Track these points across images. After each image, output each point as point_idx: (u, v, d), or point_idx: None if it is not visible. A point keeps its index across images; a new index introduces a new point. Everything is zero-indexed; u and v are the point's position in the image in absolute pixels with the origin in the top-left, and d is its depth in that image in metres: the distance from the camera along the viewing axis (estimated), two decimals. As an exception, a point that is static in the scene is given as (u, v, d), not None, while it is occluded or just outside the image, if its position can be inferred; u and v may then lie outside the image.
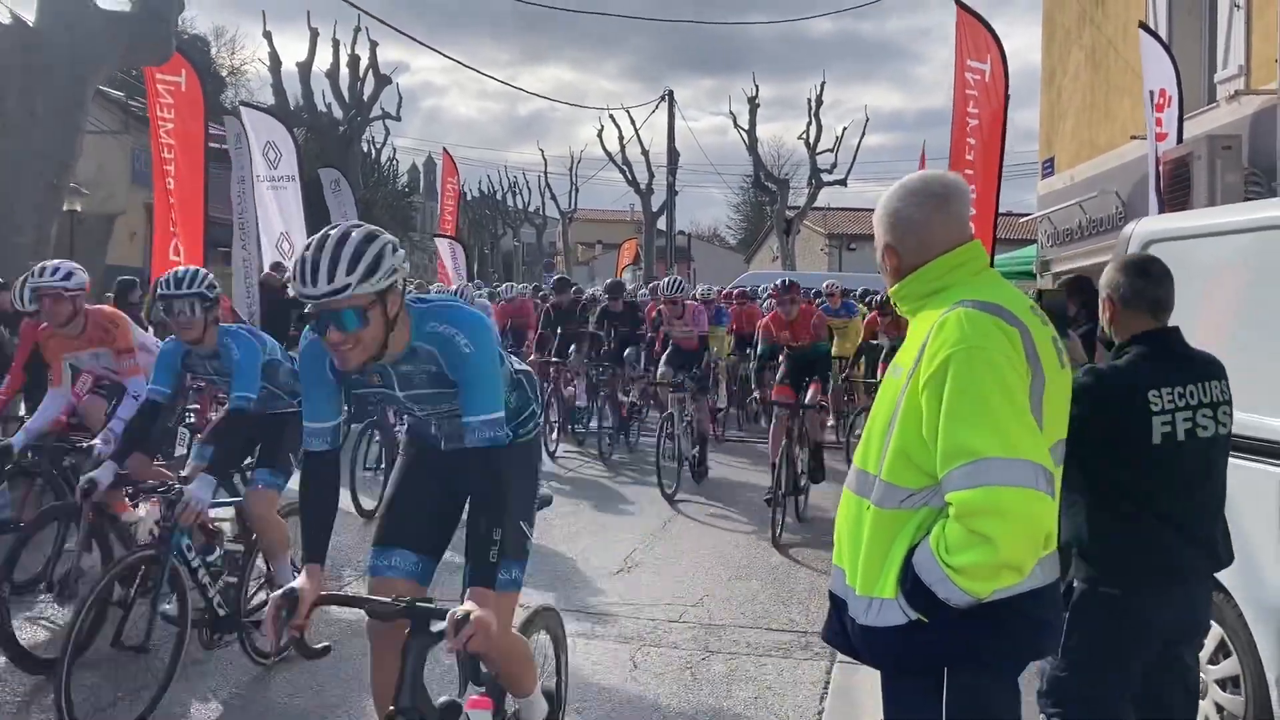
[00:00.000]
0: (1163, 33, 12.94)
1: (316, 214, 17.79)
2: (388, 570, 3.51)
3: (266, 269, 14.93)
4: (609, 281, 16.92)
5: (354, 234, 2.95)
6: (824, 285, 16.58)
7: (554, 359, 13.30)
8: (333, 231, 2.96)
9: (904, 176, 2.72)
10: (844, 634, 2.62)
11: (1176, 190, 11.47)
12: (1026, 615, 2.44)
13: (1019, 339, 2.41)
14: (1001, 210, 17.92)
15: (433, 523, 3.64)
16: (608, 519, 9.35)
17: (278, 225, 16.36)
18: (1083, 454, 3.11)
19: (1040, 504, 2.28)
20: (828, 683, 5.57)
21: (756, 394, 13.92)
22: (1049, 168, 18.17)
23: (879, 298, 15.63)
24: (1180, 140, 11.65)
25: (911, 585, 2.40)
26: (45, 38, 11.02)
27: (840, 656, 5.87)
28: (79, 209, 20.24)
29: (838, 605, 2.64)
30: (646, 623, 6.38)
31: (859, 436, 3.52)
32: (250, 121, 16.61)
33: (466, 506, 3.27)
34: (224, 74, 43.46)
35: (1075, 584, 3.35)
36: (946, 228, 2.61)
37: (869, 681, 5.53)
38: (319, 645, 5.08)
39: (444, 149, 28.33)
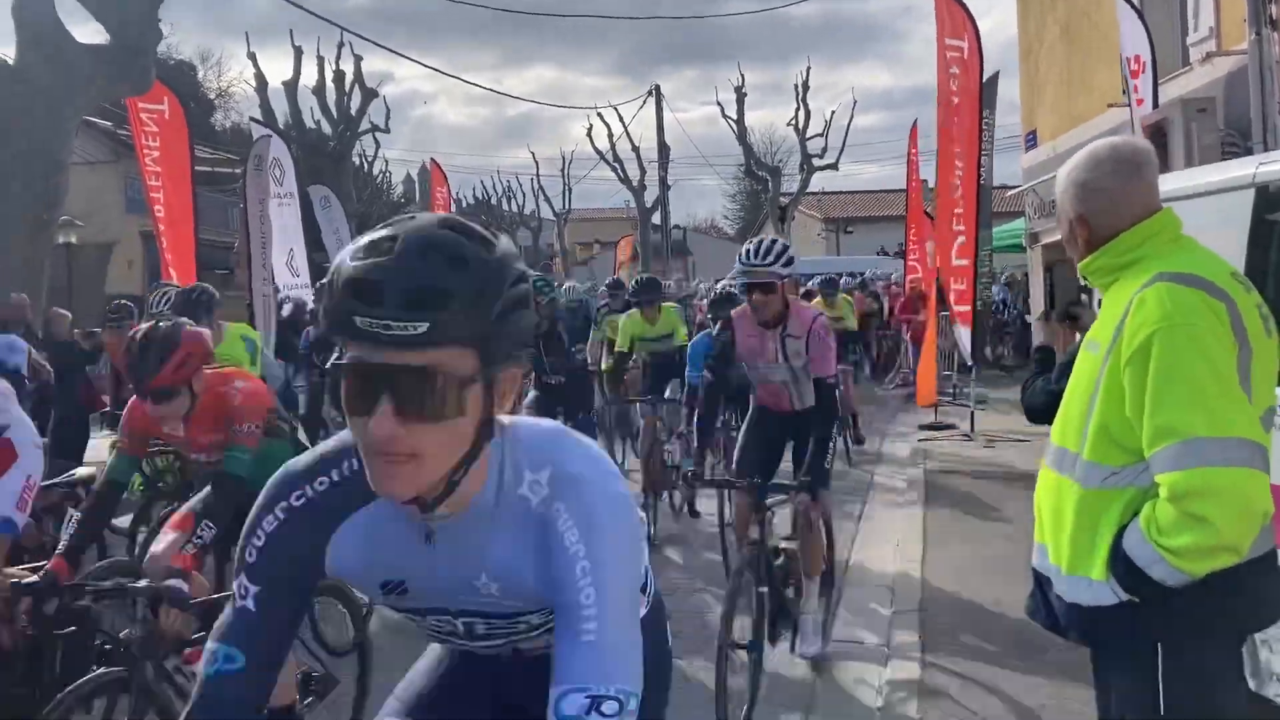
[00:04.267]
0: (1134, -1, 13.00)
1: (307, 231, 17.95)
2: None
3: (283, 291, 15.02)
4: (609, 280, 15.52)
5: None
6: None
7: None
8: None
9: (1089, 145, 2.64)
10: (1048, 611, 2.60)
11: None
12: (1243, 587, 2.38)
13: (1224, 312, 2.34)
14: (994, 184, 18.10)
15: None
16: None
17: (287, 242, 16.54)
18: None
19: (1254, 482, 2.23)
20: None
21: None
22: (1032, 140, 18.26)
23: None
24: (1156, 105, 11.71)
25: (1124, 567, 2.35)
26: (25, 74, 11.13)
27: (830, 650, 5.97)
28: (74, 240, 20.38)
29: (1040, 582, 2.63)
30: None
31: None
32: (258, 136, 16.82)
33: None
34: (212, 96, 43.69)
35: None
36: (1140, 196, 2.55)
37: (853, 675, 5.63)
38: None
39: (432, 159, 28.41)
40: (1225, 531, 2.22)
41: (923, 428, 13.21)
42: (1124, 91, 12.31)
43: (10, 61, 11.42)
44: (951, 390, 15.34)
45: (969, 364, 13.33)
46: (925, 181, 22.13)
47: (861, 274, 22.43)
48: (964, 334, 12.88)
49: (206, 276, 15.13)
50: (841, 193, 47.97)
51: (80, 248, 21.66)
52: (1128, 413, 2.35)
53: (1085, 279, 2.65)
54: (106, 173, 25.91)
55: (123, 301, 9.51)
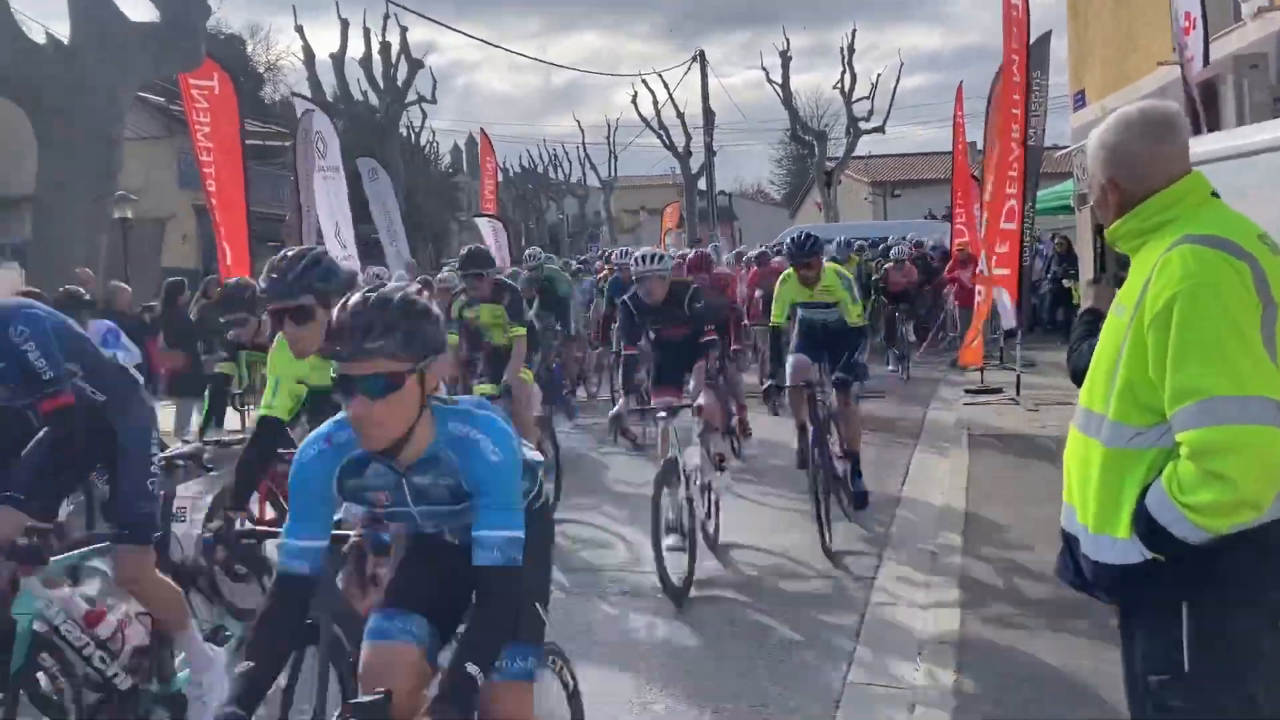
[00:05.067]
0: (1185, -47, 12.75)
1: (355, 204, 18.14)
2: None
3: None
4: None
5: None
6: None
7: None
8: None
9: (1119, 110, 2.65)
10: (1076, 570, 2.65)
11: (1206, 112, 11.36)
12: (1270, 546, 2.39)
13: (1248, 272, 2.35)
14: (1045, 145, 17.82)
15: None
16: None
17: (334, 215, 16.68)
18: None
19: (1275, 439, 2.24)
20: (859, 630, 5.71)
21: None
22: (1080, 100, 18.01)
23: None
24: (1207, 62, 11.51)
25: (1146, 526, 2.39)
26: (80, 54, 11.38)
27: (872, 603, 6.07)
28: (129, 215, 20.77)
29: (1069, 542, 2.66)
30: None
31: None
32: (302, 111, 16.98)
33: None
34: (261, 70, 44.05)
35: None
36: (1168, 160, 2.55)
37: (897, 625, 5.72)
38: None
39: (481, 130, 28.51)
40: (1245, 488, 2.25)
41: (968, 392, 13.19)
42: (1174, 49, 12.11)
43: (65, 41, 11.67)
44: (998, 354, 15.27)
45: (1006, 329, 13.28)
46: (973, 144, 21.85)
47: (884, 240, 21.24)
48: (1001, 296, 12.83)
49: (259, 249, 15.41)
50: (888, 156, 47.48)
51: (136, 222, 22.04)
52: (1151, 374, 2.38)
53: (1114, 245, 2.66)
54: (160, 148, 26.30)
55: (176, 279, 9.77)
